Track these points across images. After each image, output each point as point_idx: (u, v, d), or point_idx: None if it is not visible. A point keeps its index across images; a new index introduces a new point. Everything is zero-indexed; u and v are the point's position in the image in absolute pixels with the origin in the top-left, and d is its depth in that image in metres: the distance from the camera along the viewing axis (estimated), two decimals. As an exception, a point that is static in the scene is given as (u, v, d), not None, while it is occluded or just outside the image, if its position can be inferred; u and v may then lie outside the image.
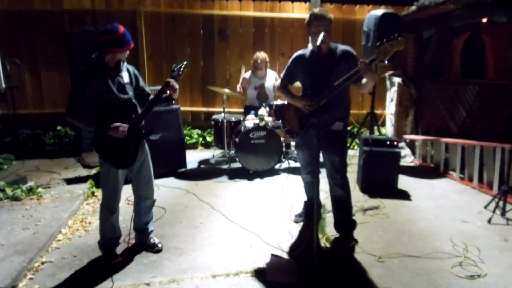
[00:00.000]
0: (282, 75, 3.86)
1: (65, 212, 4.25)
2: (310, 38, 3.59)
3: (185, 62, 3.33)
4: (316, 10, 3.50)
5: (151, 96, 3.36)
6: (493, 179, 4.86)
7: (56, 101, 7.36)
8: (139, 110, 3.26)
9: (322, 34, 3.26)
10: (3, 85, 6.22)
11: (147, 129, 3.32)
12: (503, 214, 4.22)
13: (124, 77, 3.23)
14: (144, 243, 3.60)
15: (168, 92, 3.19)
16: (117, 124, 3.07)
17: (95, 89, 3.06)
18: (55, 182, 5.26)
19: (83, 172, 5.70)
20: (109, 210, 3.35)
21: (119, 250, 3.50)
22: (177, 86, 3.19)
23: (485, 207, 4.46)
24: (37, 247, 3.48)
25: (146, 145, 3.46)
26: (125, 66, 3.26)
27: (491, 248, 3.59)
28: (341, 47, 3.54)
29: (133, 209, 3.55)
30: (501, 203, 4.24)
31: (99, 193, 4.94)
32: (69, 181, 5.27)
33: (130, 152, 3.21)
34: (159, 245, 3.57)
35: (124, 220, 3.95)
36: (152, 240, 3.60)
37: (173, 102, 4.99)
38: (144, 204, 3.53)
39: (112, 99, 3.12)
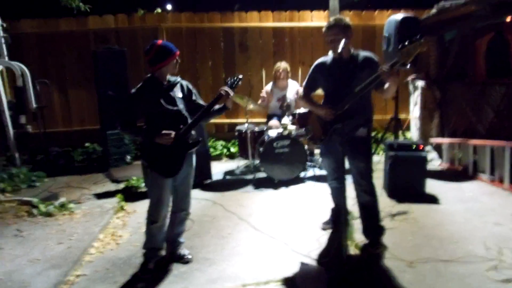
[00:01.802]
0: (304, 83, 3.89)
1: (96, 226, 4.36)
2: (329, 46, 3.61)
3: (240, 76, 3.45)
4: (331, 19, 3.52)
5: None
6: (525, 180, 4.75)
7: (83, 118, 7.59)
8: (196, 117, 3.33)
9: (343, 41, 3.28)
10: (34, 105, 6.45)
11: (196, 140, 3.40)
12: (537, 215, 4.11)
13: (177, 91, 3.34)
14: (174, 254, 3.63)
15: (222, 101, 3.31)
16: (164, 131, 3.16)
17: (146, 105, 3.22)
18: (85, 197, 5.40)
19: (112, 187, 5.83)
20: (150, 218, 3.40)
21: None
22: (232, 93, 3.32)
23: (518, 209, 4.35)
24: (71, 261, 3.59)
25: (194, 159, 3.52)
26: (179, 81, 3.40)
27: (526, 250, 3.50)
28: (363, 53, 3.55)
29: (169, 219, 3.60)
30: (534, 205, 4.13)
31: (128, 207, 5.05)
32: (99, 196, 5.41)
33: (176, 161, 3.28)
34: (189, 256, 3.61)
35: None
36: (182, 252, 3.64)
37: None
38: (179, 215, 3.58)
39: (163, 111, 3.22)
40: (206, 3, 9.00)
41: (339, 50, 3.28)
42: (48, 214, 4.72)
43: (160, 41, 3.28)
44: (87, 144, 7.24)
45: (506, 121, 5.55)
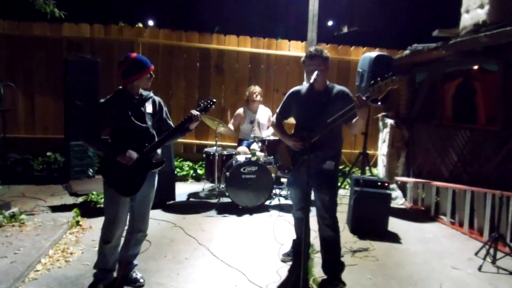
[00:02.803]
0: (277, 110, 3.88)
1: (47, 241, 4.12)
2: (306, 75, 3.63)
3: (214, 100, 3.43)
4: (312, 49, 3.56)
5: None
6: (484, 225, 4.83)
7: (47, 126, 7.33)
8: (159, 138, 3.27)
9: (315, 73, 3.31)
10: (-4, 108, 6.19)
11: (160, 160, 3.31)
12: (493, 262, 4.15)
13: (147, 107, 3.26)
14: (126, 277, 3.46)
15: (191, 123, 3.27)
16: (128, 152, 3.10)
17: (113, 117, 3.14)
18: (39, 209, 5.16)
19: (70, 200, 5.60)
20: (104, 238, 3.26)
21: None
22: (199, 119, 3.29)
23: (476, 254, 4.39)
24: (13, 277, 3.34)
25: (156, 179, 3.43)
26: (151, 96, 3.33)
27: (481, 297, 3.52)
28: (338, 87, 3.57)
29: (124, 238, 3.46)
30: (491, 251, 4.18)
31: (84, 222, 4.85)
32: (54, 209, 5.17)
33: (136, 180, 3.18)
34: (141, 280, 3.45)
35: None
36: (134, 275, 3.48)
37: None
38: (135, 236, 3.43)
39: (130, 126, 3.15)
40: (185, 22, 9.02)
41: (311, 81, 3.30)
42: (-4, 224, 4.46)
43: (134, 54, 3.24)
44: (48, 153, 6.96)
45: (468, 166, 5.69)
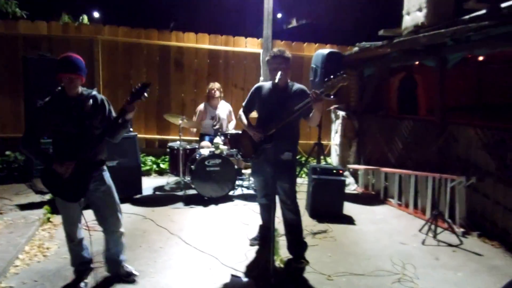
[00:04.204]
0: (243, 103, 4.21)
1: (22, 237, 4.23)
2: (266, 74, 3.97)
3: (147, 83, 3.14)
4: (275, 49, 3.91)
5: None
6: (426, 205, 5.42)
7: (6, 124, 7.22)
8: (97, 137, 3.14)
9: (279, 73, 3.65)
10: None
11: (100, 158, 3.21)
12: (434, 236, 4.73)
13: (87, 107, 3.11)
14: (117, 274, 3.53)
15: (127, 113, 3.09)
16: (66, 163, 2.98)
17: (51, 121, 3.04)
18: (6, 208, 5.18)
19: (36, 198, 5.64)
20: (67, 237, 3.36)
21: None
22: (135, 107, 3.11)
23: (420, 230, 4.96)
24: (-4, 273, 3.49)
25: (107, 175, 3.32)
26: (93, 94, 3.17)
27: (425, 266, 4.04)
28: (297, 85, 3.95)
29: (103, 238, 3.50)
30: (433, 227, 4.75)
31: (54, 219, 4.95)
32: (22, 207, 5.22)
33: (79, 185, 3.07)
34: (134, 272, 3.55)
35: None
36: (125, 269, 3.55)
37: (130, 129, 4.86)
38: (111, 238, 3.44)
39: (66, 130, 3.05)
40: (143, 20, 9.08)
41: (276, 80, 3.64)
42: (-35, 225, 4.49)
43: (67, 54, 3.08)
44: (7, 153, 6.88)
45: (412, 152, 6.29)
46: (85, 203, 3.31)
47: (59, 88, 3.11)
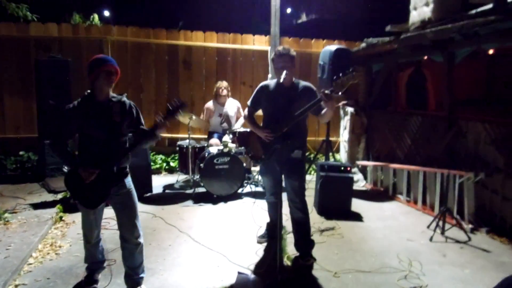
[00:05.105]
0: (248, 103, 4.22)
1: (35, 236, 4.34)
2: (274, 72, 3.99)
3: (184, 102, 3.11)
4: (280, 48, 3.90)
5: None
6: (435, 201, 5.41)
7: (19, 126, 7.38)
8: (125, 147, 3.18)
9: (284, 72, 3.67)
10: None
11: (123, 167, 3.19)
12: (442, 232, 4.72)
13: (115, 112, 3.09)
14: None
15: (157, 129, 3.07)
16: (90, 170, 2.99)
17: (78, 124, 3.06)
18: (21, 207, 5.31)
19: (49, 197, 5.76)
20: (84, 238, 3.42)
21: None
22: (166, 125, 3.10)
23: (428, 227, 4.95)
24: (10, 270, 3.58)
25: (128, 179, 3.27)
26: (122, 100, 3.16)
27: (432, 263, 4.05)
28: (303, 83, 3.96)
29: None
30: (441, 223, 4.74)
31: (66, 217, 5.06)
32: (35, 206, 5.34)
33: (97, 194, 3.08)
34: None
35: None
36: None
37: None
38: (126, 246, 3.30)
39: (94, 135, 3.06)
40: (152, 19, 9.17)
41: (281, 80, 3.66)
42: (-19, 223, 4.62)
43: (100, 55, 3.18)
44: (21, 153, 7.05)
45: (421, 148, 6.27)
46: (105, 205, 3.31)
47: (88, 91, 3.13)
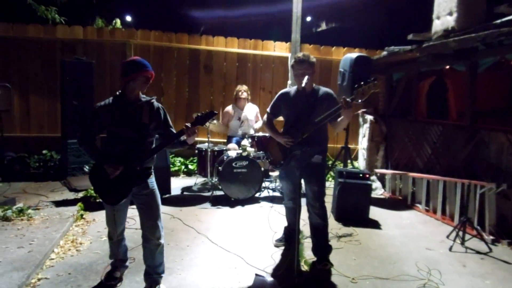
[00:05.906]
0: (268, 109, 4.25)
1: (57, 232, 4.44)
2: (294, 78, 4.02)
3: (214, 112, 3.20)
4: (300, 54, 3.93)
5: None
6: (454, 211, 5.35)
7: (43, 125, 7.56)
8: (150, 148, 3.24)
9: (306, 77, 3.69)
10: (-7, 108, 6.40)
11: (147, 166, 3.22)
12: (462, 243, 4.66)
13: (144, 114, 3.16)
14: None
15: (185, 136, 3.12)
16: (113, 164, 3.07)
17: (106, 123, 3.15)
18: (43, 204, 5.44)
19: (70, 195, 5.89)
20: (108, 234, 3.50)
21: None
22: (196, 132, 3.15)
23: (447, 236, 4.90)
24: (33, 264, 3.67)
25: (151, 180, 3.29)
26: (151, 102, 3.23)
27: (451, 272, 4.00)
28: (323, 89, 3.98)
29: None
30: (460, 233, 4.68)
31: (87, 216, 5.16)
32: (57, 204, 5.47)
33: (119, 191, 3.12)
34: None
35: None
36: None
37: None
38: (147, 246, 3.34)
39: (121, 134, 3.13)
40: (173, 25, 9.30)
41: (303, 84, 3.68)
42: (5, 219, 4.73)
43: (136, 57, 3.23)
44: (44, 151, 7.21)
45: (441, 158, 6.21)
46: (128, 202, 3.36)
47: (119, 91, 3.21)
